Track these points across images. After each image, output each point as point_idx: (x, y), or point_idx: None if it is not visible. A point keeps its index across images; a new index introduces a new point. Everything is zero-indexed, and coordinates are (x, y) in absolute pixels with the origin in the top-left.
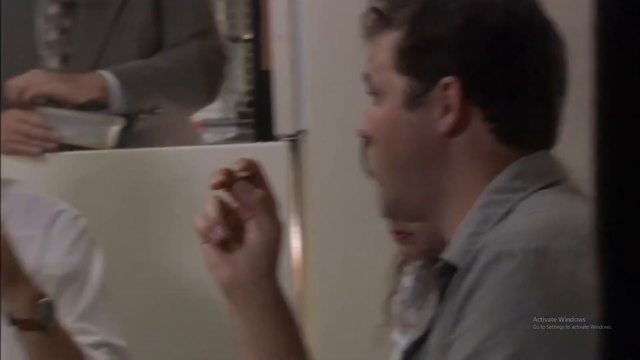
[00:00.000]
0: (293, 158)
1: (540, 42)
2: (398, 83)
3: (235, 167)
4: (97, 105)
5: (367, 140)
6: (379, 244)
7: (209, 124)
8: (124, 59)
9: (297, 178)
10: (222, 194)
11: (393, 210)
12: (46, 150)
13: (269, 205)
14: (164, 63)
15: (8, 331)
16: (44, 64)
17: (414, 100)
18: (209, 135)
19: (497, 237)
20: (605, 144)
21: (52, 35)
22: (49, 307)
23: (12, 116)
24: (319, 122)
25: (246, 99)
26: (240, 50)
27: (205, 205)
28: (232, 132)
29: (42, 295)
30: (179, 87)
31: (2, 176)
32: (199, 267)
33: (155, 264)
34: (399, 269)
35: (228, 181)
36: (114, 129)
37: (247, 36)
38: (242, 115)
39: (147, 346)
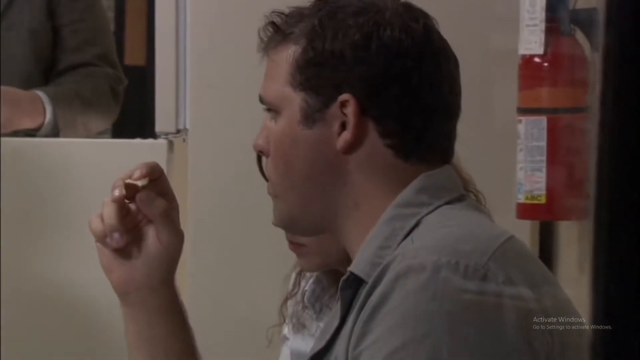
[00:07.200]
0: (171, 157)
1: (435, 60)
2: (295, 99)
3: (136, 173)
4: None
5: (263, 154)
6: (257, 245)
7: None
8: (15, 59)
9: (176, 177)
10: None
11: (288, 224)
12: None
13: (169, 216)
14: (82, 88)
15: None
16: None
17: (311, 117)
18: None
19: (405, 251)
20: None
21: None
22: None
23: None
24: (200, 121)
25: None
26: None
27: (102, 206)
28: None
29: None
30: (94, 112)
31: None
32: (80, 269)
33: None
34: (298, 272)
35: (129, 194)
36: None
37: None
38: None
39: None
